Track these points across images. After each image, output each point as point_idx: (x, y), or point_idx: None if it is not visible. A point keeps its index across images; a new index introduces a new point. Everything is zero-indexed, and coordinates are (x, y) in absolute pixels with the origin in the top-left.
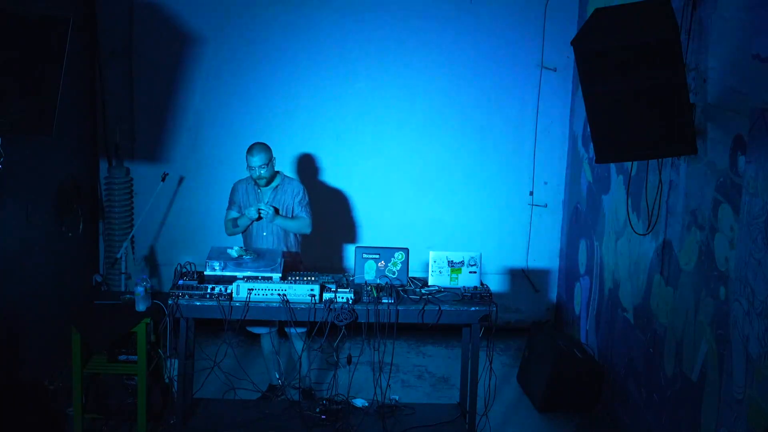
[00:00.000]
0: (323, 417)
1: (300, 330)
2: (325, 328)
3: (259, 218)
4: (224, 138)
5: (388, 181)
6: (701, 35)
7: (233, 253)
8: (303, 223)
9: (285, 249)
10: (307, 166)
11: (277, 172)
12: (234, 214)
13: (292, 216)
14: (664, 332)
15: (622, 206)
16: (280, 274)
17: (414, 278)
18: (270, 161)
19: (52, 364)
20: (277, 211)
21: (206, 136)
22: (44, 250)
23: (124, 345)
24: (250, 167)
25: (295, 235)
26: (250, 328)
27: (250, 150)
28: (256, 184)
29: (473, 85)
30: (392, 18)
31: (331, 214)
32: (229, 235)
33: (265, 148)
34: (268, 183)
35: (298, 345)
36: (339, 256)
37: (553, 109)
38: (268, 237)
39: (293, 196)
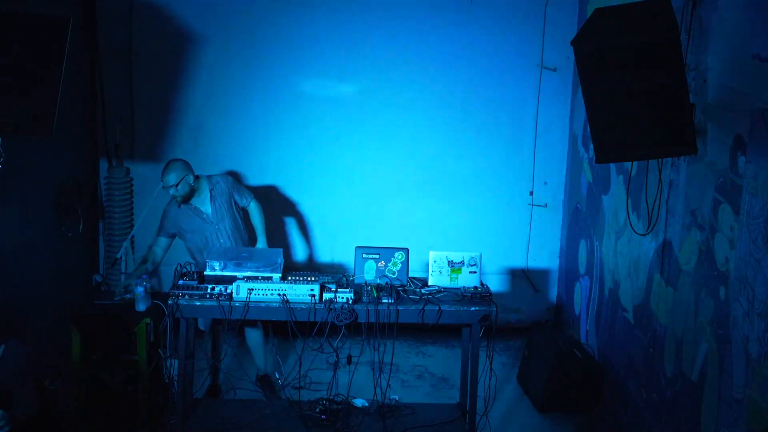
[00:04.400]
0: (323, 417)
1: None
2: (325, 328)
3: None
4: (224, 138)
5: (388, 181)
6: (701, 35)
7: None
8: (257, 209)
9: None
10: (306, 166)
11: (198, 177)
12: (163, 241)
13: (242, 212)
14: (664, 332)
15: (622, 206)
16: (280, 274)
17: (414, 278)
18: (183, 178)
19: (52, 364)
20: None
21: (206, 136)
22: (44, 250)
23: (124, 345)
24: (164, 188)
25: (247, 231)
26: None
27: (163, 170)
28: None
29: (473, 85)
30: (392, 18)
31: (332, 214)
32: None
33: (176, 165)
34: (189, 198)
35: (255, 334)
36: (339, 256)
37: (553, 109)
38: (225, 243)
39: (230, 192)
